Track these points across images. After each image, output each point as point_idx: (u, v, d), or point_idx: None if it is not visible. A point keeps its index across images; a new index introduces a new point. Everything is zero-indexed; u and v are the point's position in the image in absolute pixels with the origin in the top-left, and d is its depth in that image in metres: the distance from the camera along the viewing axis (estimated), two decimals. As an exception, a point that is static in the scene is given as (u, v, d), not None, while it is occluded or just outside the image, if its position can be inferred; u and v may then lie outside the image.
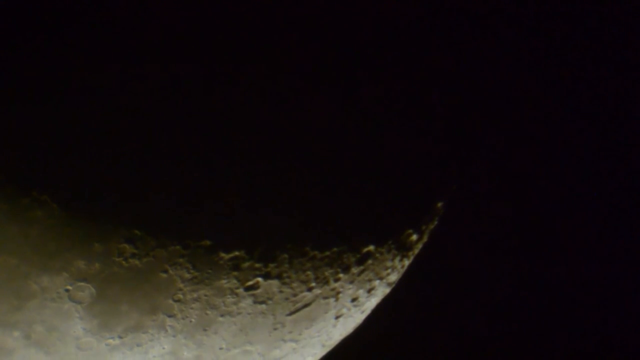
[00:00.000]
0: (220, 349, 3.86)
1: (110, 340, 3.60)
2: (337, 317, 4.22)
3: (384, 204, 3.90)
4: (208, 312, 3.67)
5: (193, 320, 3.66)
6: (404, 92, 3.81)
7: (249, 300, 3.72)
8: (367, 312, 4.60)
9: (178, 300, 3.56)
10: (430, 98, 3.99)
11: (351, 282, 4.06)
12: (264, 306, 3.79)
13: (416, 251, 4.54)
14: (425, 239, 4.56)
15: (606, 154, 7.45)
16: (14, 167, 3.14)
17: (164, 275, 3.47)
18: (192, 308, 3.62)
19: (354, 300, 4.21)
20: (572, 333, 7.72)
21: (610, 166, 7.48)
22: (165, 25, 3.19)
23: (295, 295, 3.84)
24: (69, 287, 3.39)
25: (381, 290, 4.43)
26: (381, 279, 4.28)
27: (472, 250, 7.39)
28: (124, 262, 3.38)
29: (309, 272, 3.79)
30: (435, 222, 4.58)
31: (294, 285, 3.79)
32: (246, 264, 3.58)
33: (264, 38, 3.33)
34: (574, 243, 7.69)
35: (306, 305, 3.94)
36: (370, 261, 4.05)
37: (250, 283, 3.67)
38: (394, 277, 4.46)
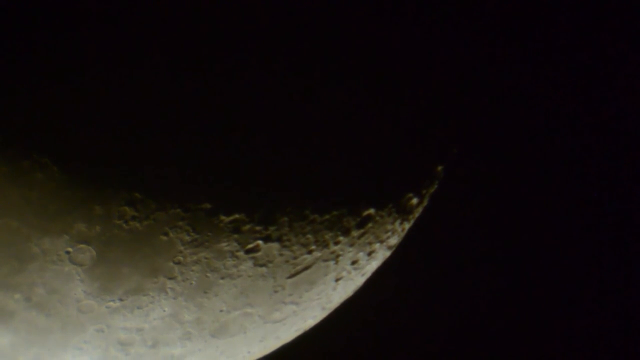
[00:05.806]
0: (221, 311, 3.88)
1: (111, 303, 3.62)
2: (337, 280, 4.24)
3: (384, 167, 3.90)
4: (208, 274, 3.68)
5: (193, 282, 3.68)
6: (404, 57, 3.78)
7: (249, 263, 3.74)
8: (368, 275, 4.62)
9: (178, 263, 3.58)
10: (430, 62, 3.96)
11: (351, 245, 4.06)
12: (264, 269, 3.80)
13: (417, 215, 4.55)
14: (425, 202, 4.56)
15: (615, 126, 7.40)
16: (14, 129, 3.12)
17: (165, 238, 3.47)
18: (192, 270, 3.63)
19: (354, 263, 4.22)
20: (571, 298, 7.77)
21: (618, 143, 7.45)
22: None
23: (295, 258, 3.85)
24: (70, 250, 3.40)
25: (381, 254, 4.45)
26: (381, 242, 4.29)
27: (473, 214, 7.40)
28: (124, 225, 3.38)
29: (309, 235, 3.80)
30: (436, 186, 4.57)
31: (294, 248, 3.80)
32: (246, 227, 3.59)
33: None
34: (575, 210, 7.69)
35: (306, 268, 3.96)
36: (370, 224, 4.06)
37: (250, 246, 3.67)
38: (394, 241, 4.47)
